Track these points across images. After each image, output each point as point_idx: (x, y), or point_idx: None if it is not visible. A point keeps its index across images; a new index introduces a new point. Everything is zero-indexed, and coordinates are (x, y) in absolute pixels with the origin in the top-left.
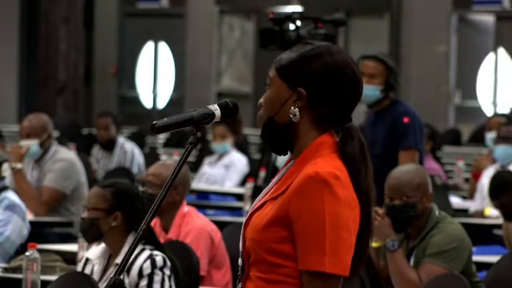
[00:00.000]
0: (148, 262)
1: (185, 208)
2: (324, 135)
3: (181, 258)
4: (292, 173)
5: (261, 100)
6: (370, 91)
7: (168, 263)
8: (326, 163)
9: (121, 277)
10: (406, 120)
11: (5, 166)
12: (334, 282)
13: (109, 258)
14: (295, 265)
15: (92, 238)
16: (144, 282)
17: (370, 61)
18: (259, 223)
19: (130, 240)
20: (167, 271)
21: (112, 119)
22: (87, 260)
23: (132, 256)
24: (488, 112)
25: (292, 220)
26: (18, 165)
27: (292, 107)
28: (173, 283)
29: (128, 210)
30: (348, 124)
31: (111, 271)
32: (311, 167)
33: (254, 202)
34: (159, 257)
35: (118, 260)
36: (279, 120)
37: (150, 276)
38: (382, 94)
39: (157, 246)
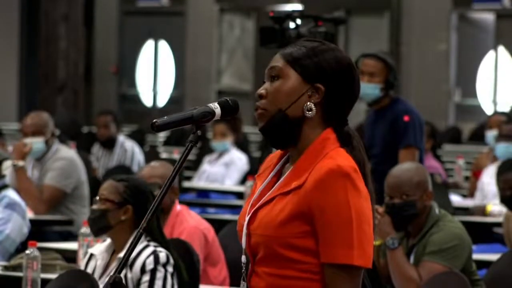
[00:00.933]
0: (151, 258)
1: (178, 207)
2: (327, 131)
3: (181, 256)
4: (302, 168)
5: (262, 91)
6: (370, 89)
7: (172, 260)
8: (343, 157)
9: (124, 272)
10: (406, 118)
11: (5, 164)
12: (358, 274)
13: (112, 253)
14: (315, 260)
15: (98, 229)
16: (146, 278)
17: (370, 60)
18: (273, 219)
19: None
20: (170, 268)
21: (112, 118)
22: (91, 255)
23: (136, 252)
24: (488, 110)
25: (315, 214)
26: (20, 163)
27: (308, 102)
28: (175, 281)
29: (140, 205)
30: (346, 128)
31: (114, 266)
32: (330, 161)
33: (254, 198)
34: (162, 253)
35: (121, 254)
36: (292, 114)
37: (153, 272)
38: (382, 92)
39: (163, 243)
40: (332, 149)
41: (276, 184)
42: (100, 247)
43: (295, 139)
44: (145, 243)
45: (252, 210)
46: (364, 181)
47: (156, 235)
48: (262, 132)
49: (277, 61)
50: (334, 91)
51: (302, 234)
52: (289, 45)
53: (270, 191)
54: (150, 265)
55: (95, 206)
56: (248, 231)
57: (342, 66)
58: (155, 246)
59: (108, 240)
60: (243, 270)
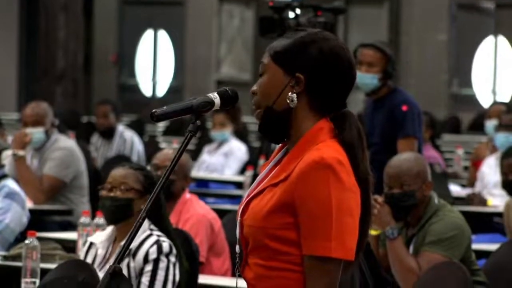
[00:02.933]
0: (155, 247)
1: (187, 195)
2: (322, 121)
3: (181, 245)
4: (292, 159)
5: (255, 88)
6: (368, 79)
7: (174, 250)
8: (330, 149)
9: (126, 261)
10: (404, 108)
11: (5, 154)
12: (337, 267)
13: (113, 242)
14: (298, 251)
15: (119, 218)
16: (149, 267)
17: (368, 50)
18: (260, 210)
19: (144, 224)
20: (173, 258)
21: (111, 107)
22: (91, 244)
23: (139, 241)
24: (487, 100)
25: (297, 205)
26: (20, 152)
27: (290, 93)
28: (177, 271)
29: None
30: (344, 110)
31: (116, 254)
32: (315, 153)
33: (250, 189)
34: (166, 243)
35: (123, 242)
36: (278, 107)
37: (156, 262)
38: (381, 82)
39: (167, 233)
40: (324, 140)
41: (270, 175)
42: (101, 236)
43: (288, 131)
44: (148, 232)
45: (246, 201)
46: (354, 165)
47: (167, 225)
48: (260, 131)
49: (264, 56)
50: (317, 80)
51: (286, 226)
52: (278, 37)
53: (264, 182)
54: (153, 254)
55: (113, 194)
56: (241, 222)
57: (324, 55)
58: (158, 236)
59: (109, 229)
60: (237, 260)
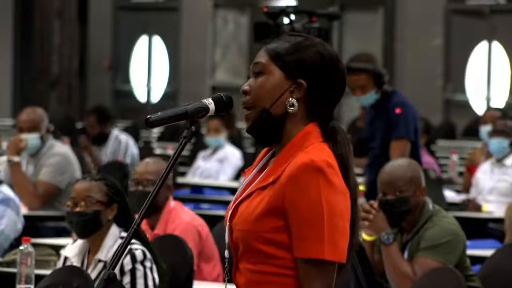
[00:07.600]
0: (128, 257)
1: (172, 203)
2: (310, 125)
3: (175, 251)
4: (280, 162)
5: (246, 87)
6: (368, 99)
7: (148, 255)
8: (319, 151)
9: (102, 274)
10: (398, 110)
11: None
12: (331, 269)
13: (87, 255)
14: (290, 255)
15: (90, 231)
16: (127, 279)
17: (352, 76)
18: (251, 214)
19: (111, 233)
20: (148, 264)
21: (95, 118)
22: (66, 258)
23: (113, 252)
24: (481, 106)
25: (288, 208)
26: (16, 158)
27: (290, 98)
28: (155, 274)
29: (123, 203)
30: (333, 123)
31: (92, 268)
32: (305, 156)
33: (237, 193)
34: (138, 251)
35: (99, 255)
36: (275, 111)
37: (132, 272)
38: (378, 93)
39: (139, 237)
40: (313, 143)
41: (257, 179)
42: (73, 250)
43: (279, 136)
44: (119, 241)
45: (234, 205)
46: (345, 175)
47: (137, 229)
48: (249, 133)
49: (261, 57)
50: (317, 86)
51: (277, 229)
52: (274, 39)
53: (251, 186)
54: (128, 265)
55: (80, 209)
56: (230, 226)
57: (325, 61)
58: (130, 244)
59: (79, 242)
60: (226, 265)
